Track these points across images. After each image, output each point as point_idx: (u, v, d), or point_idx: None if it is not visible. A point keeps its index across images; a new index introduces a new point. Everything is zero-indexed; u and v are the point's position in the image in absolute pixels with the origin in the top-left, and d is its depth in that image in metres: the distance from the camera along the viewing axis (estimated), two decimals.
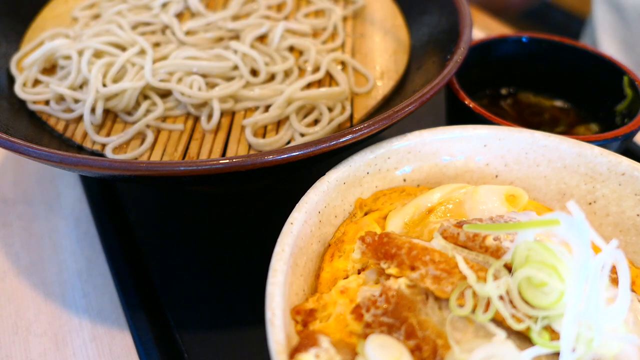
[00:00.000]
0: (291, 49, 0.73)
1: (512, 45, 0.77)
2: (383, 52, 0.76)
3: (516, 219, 0.44)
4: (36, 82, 0.70)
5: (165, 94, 0.68)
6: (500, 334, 0.37)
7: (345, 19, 0.82)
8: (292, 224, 0.46)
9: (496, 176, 0.58)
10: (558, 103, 0.78)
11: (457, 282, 0.39)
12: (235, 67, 0.68)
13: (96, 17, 0.79)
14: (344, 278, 0.46)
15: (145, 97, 0.67)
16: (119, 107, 0.65)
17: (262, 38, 0.74)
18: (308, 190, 0.49)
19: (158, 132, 0.65)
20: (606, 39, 1.33)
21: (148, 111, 0.65)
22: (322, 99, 0.66)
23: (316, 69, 0.70)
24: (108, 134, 0.64)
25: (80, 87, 0.67)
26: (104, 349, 0.60)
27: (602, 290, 0.36)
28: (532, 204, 0.54)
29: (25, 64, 0.69)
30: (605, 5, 1.33)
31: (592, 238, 0.36)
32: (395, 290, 0.40)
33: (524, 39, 0.77)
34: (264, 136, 0.64)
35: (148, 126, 0.64)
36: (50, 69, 0.72)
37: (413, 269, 0.40)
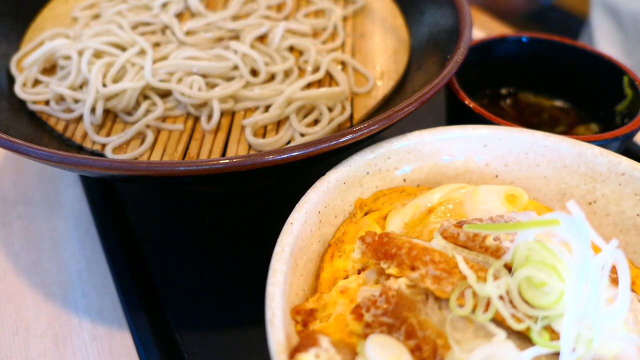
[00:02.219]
0: (291, 49, 0.73)
1: (512, 45, 0.77)
2: (383, 52, 0.76)
3: (516, 219, 0.44)
4: (36, 82, 0.70)
5: (165, 94, 0.68)
6: (500, 334, 0.37)
7: (345, 19, 0.82)
8: (292, 224, 0.46)
9: (496, 176, 0.58)
10: (558, 103, 0.78)
11: (457, 282, 0.39)
12: (235, 67, 0.68)
13: (96, 17, 0.79)
14: (344, 278, 0.46)
15: (145, 97, 0.67)
16: (119, 107, 0.65)
17: (262, 38, 0.74)
18: (308, 190, 0.49)
19: (158, 132, 0.65)
20: (604, 44, 1.33)
21: (148, 111, 0.65)
22: (322, 99, 0.66)
23: (316, 69, 0.70)
24: (108, 134, 0.64)
25: (80, 87, 0.67)
26: (104, 349, 0.60)
27: (602, 290, 0.36)
28: (532, 204, 0.54)
29: (25, 64, 0.69)
30: (602, 11, 1.33)
31: (592, 238, 0.36)
32: (395, 290, 0.40)
33: (524, 39, 0.77)
34: (264, 136, 0.64)
35: (148, 126, 0.64)
36: (50, 69, 0.72)
37: (413, 269, 0.40)
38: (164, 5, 0.78)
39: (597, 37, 1.35)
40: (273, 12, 0.79)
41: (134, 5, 0.78)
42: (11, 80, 0.70)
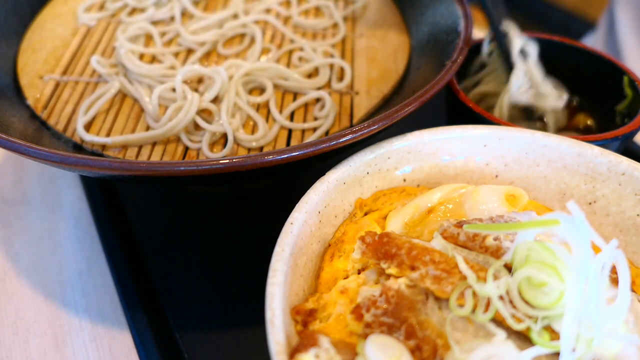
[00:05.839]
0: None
1: None
2: (383, 52, 0.76)
3: (516, 219, 0.44)
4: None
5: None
6: (500, 334, 0.37)
7: (345, 18, 0.82)
8: (292, 224, 0.46)
9: (496, 176, 0.58)
10: None
11: (457, 282, 0.39)
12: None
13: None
14: (344, 278, 0.46)
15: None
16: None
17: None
18: (308, 190, 0.49)
19: None
20: (626, 32, 1.27)
21: None
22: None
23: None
24: (108, 134, 0.64)
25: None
26: (104, 349, 0.60)
27: (602, 290, 0.36)
28: (532, 204, 0.54)
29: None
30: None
31: (592, 238, 0.36)
32: (395, 291, 0.40)
33: None
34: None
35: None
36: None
37: (413, 269, 0.40)
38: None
39: (619, 26, 1.28)
40: (272, 16, 0.79)
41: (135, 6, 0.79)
42: (11, 80, 0.70)
